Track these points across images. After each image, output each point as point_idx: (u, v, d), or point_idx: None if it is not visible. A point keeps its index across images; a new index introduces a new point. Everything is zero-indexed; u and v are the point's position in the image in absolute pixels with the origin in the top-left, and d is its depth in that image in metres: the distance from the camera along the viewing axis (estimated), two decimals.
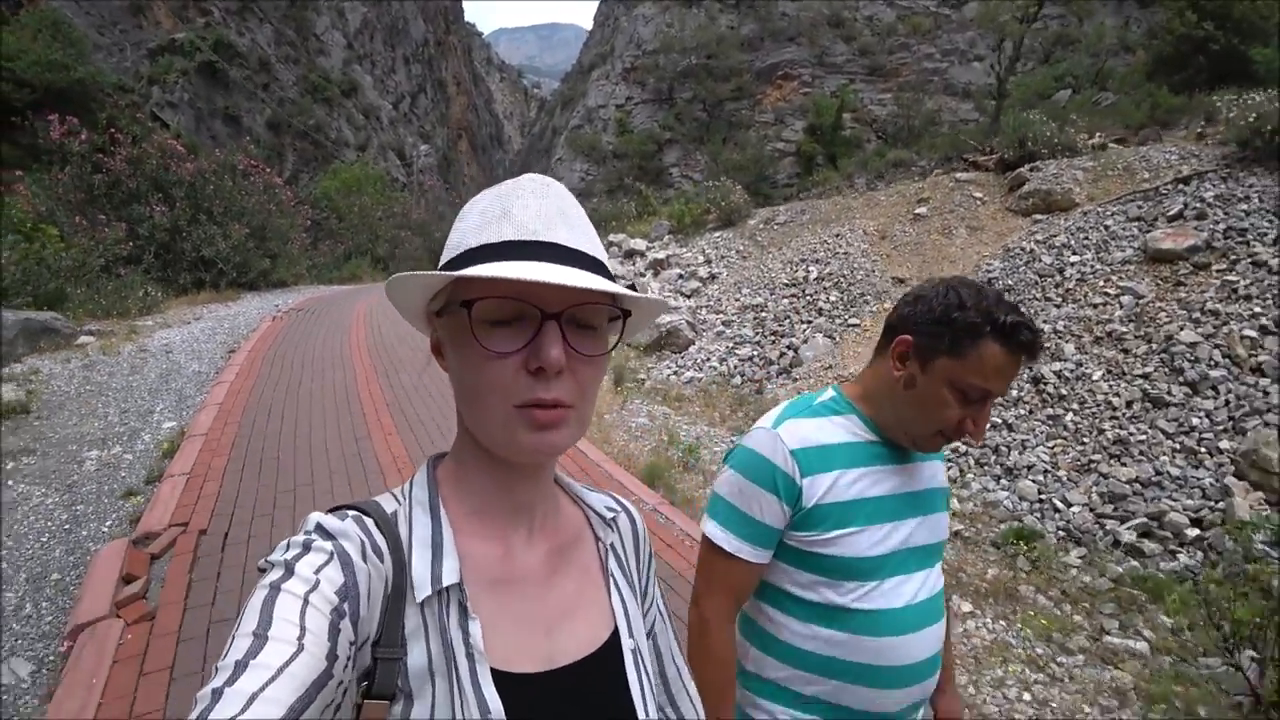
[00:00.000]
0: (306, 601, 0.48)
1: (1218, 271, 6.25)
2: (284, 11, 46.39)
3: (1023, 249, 7.89)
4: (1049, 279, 7.12)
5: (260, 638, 0.45)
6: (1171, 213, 7.23)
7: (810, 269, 9.58)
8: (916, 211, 10.33)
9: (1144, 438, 5.03)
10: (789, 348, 8.00)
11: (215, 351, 7.80)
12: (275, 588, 0.49)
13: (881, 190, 12.47)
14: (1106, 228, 7.58)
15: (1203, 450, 4.78)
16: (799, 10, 35.34)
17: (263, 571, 0.52)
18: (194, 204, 13.19)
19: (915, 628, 1.07)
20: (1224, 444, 4.74)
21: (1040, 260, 7.45)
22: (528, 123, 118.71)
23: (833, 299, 8.64)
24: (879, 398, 1.12)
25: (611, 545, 0.73)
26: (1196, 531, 4.36)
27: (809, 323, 8.37)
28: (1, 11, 24.52)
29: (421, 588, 0.57)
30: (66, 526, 3.51)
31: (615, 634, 0.67)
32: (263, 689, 0.42)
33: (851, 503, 1.06)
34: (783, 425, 1.10)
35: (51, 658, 2.55)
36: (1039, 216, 8.80)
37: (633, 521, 0.79)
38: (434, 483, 0.64)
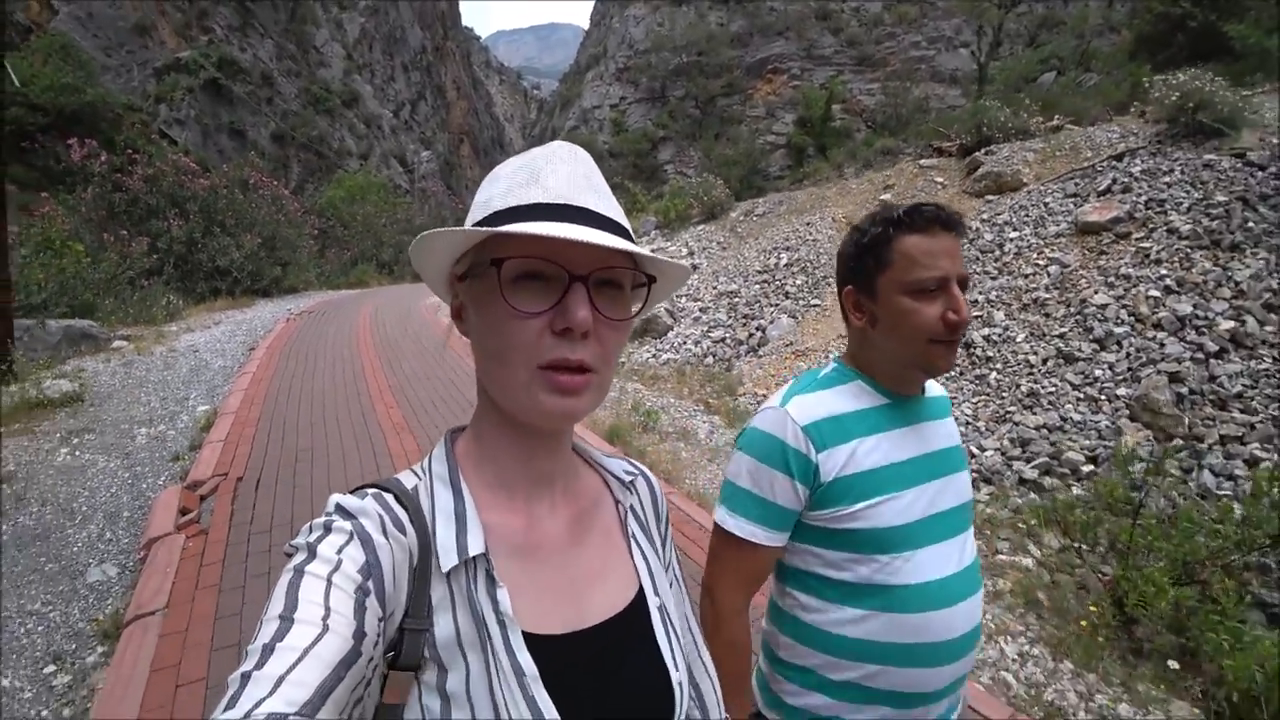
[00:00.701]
0: (330, 582, 0.49)
1: (1136, 239, 6.91)
2: (284, 26, 47.27)
3: (969, 228, 8.55)
4: (989, 254, 7.80)
5: (286, 620, 0.46)
6: (1101, 188, 7.89)
7: (781, 256, 10.29)
8: (881, 198, 11.00)
9: (1053, 390, 5.72)
10: (758, 328, 8.71)
11: (237, 349, 8.60)
12: (299, 571, 0.50)
13: (853, 179, 13.15)
14: (1045, 205, 8.24)
15: (1102, 398, 5.47)
16: (786, 5, 35.91)
17: (288, 556, 0.53)
18: (208, 217, 14.04)
19: (958, 599, 1.03)
20: (1121, 391, 5.42)
21: (983, 238, 8.13)
22: (528, 124, 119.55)
23: (799, 282, 9.34)
24: (867, 354, 1.11)
25: (631, 507, 0.74)
26: (1091, 467, 5.04)
27: (776, 305, 9.08)
28: (12, 38, 25.51)
29: (447, 558, 0.57)
30: (129, 481, 4.29)
31: (640, 593, 0.68)
32: (289, 671, 0.43)
33: (874, 471, 1.03)
34: (791, 402, 1.07)
35: (130, 565, 3.32)
36: (990, 197, 9.45)
37: (650, 484, 0.80)
38: (452, 456, 0.65)
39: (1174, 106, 8.34)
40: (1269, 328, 5.43)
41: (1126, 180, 7.81)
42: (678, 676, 0.66)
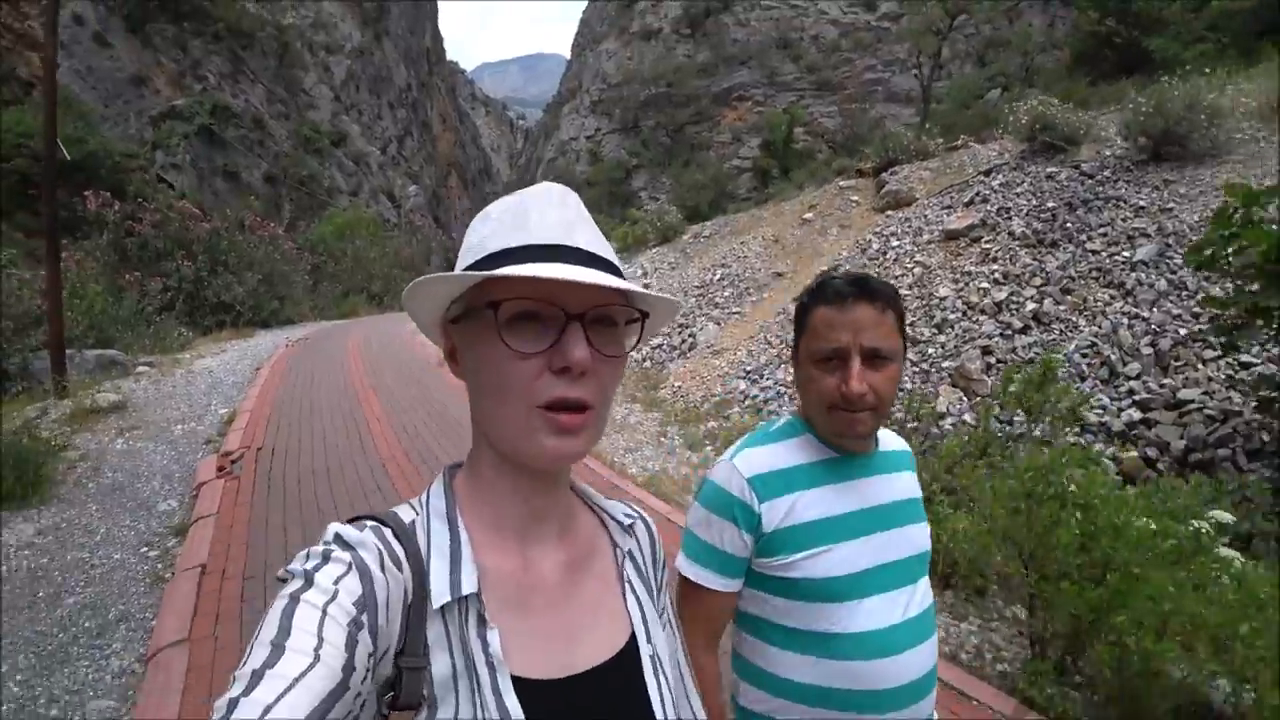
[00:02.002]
0: (325, 613, 0.49)
1: (983, 242, 8.46)
2: (273, 71, 49.11)
3: (865, 240, 10.12)
4: (875, 261, 9.34)
5: (278, 648, 0.46)
6: (967, 200, 9.47)
7: (717, 272, 11.84)
8: (804, 217, 12.59)
9: None
10: (689, 335, 10.21)
11: (245, 369, 10.05)
12: (294, 598, 0.50)
13: (786, 201, 14.76)
14: (925, 216, 9.81)
15: (932, 370, 6.96)
16: (748, 35, 38.00)
17: (283, 581, 0.53)
18: (212, 258, 15.57)
19: (903, 648, 1.06)
20: (946, 364, 6.92)
21: (872, 247, 9.68)
22: (515, 154, 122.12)
23: (726, 294, 10.87)
24: (805, 411, 1.16)
25: (630, 552, 0.74)
26: (915, 424, 6.51)
27: (706, 314, 10.59)
28: (15, 93, 27.12)
29: (440, 596, 0.57)
30: (175, 457, 5.73)
31: (633, 639, 0.68)
32: (278, 700, 0.43)
33: (813, 524, 1.07)
34: (739, 456, 1.12)
35: (186, 500, 4.76)
36: (890, 212, 11.03)
37: (649, 529, 0.80)
38: (450, 493, 0.65)
39: (1026, 127, 9.97)
40: (1062, 306, 6.94)
41: (987, 192, 9.40)
42: None
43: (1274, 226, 4.05)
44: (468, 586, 0.59)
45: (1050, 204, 8.41)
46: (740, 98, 36.71)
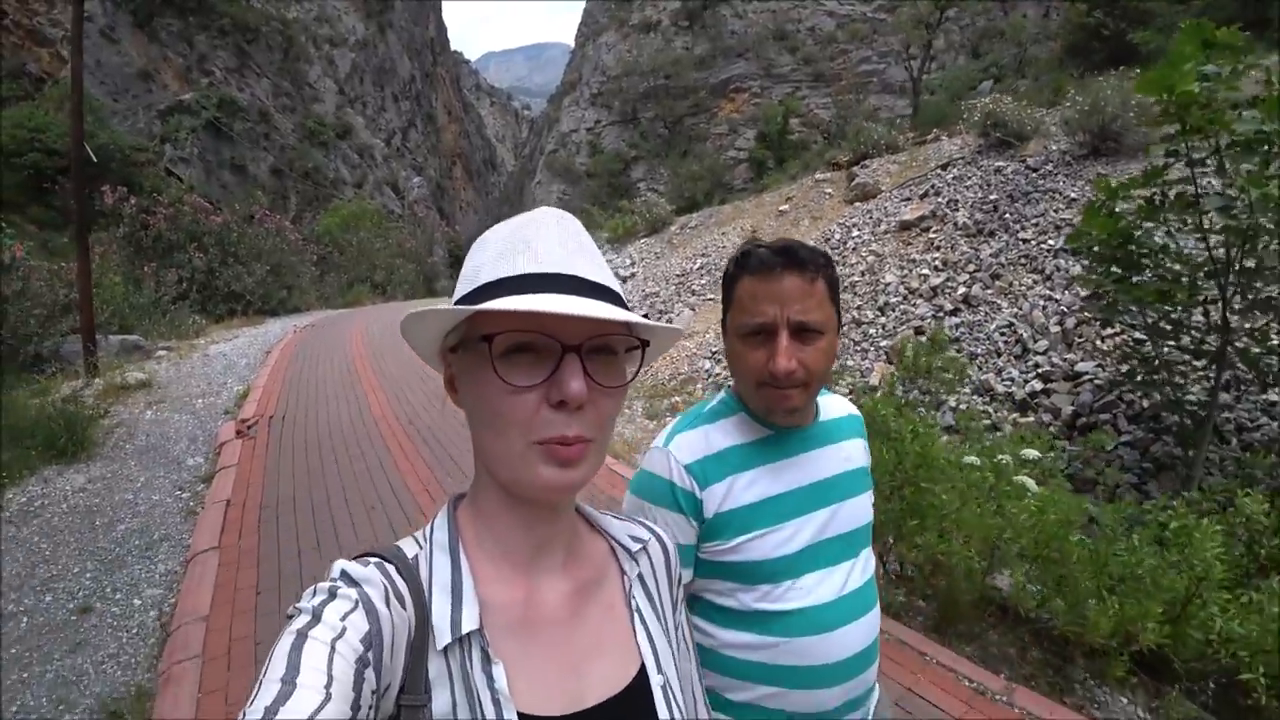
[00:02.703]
0: (334, 649, 0.49)
1: (931, 232, 9.18)
2: (279, 65, 49.74)
3: (830, 230, 10.85)
4: (836, 250, 10.07)
5: (289, 684, 0.46)
6: (922, 192, 10.18)
7: (697, 261, 12.58)
8: (780, 209, 13.30)
9: (841, 346, 7.97)
10: (668, 321, 10.97)
11: (256, 353, 10.88)
12: (302, 634, 0.50)
13: (767, 194, 15.47)
14: (885, 208, 10.53)
15: (871, 349, 7.72)
16: (746, 27, 38.46)
17: (290, 618, 0.53)
18: (223, 249, 16.41)
19: (844, 622, 1.06)
20: (883, 343, 7.67)
21: (834, 237, 10.41)
22: (519, 144, 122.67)
23: (703, 282, 11.62)
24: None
25: (639, 576, 0.74)
26: (850, 395, 7.28)
27: (684, 301, 11.35)
28: (27, 88, 27.95)
29: (442, 635, 0.57)
30: (198, 424, 6.56)
31: (643, 670, 0.67)
32: None
33: (751, 506, 1.05)
34: (673, 441, 1.09)
35: (209, 456, 5.59)
36: (858, 204, 11.74)
37: (664, 547, 0.79)
38: (454, 525, 0.65)
39: (980, 124, 10.65)
40: (989, 291, 7.68)
41: (940, 185, 10.11)
42: None
43: (1129, 217, 4.77)
44: (469, 624, 0.58)
45: (993, 196, 9.12)
46: (737, 89, 37.26)
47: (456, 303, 0.60)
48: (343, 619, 0.52)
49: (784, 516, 1.06)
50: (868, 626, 1.10)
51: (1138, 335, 5.12)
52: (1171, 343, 4.32)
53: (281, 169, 43.20)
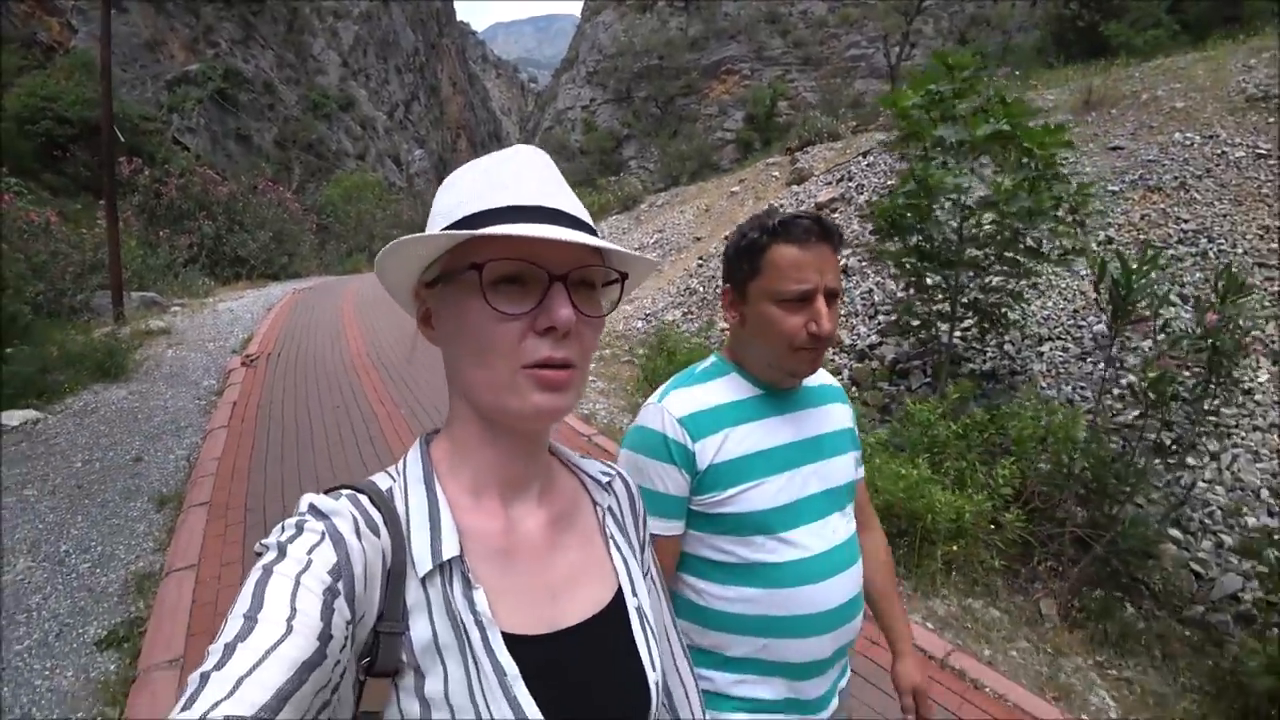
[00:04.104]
0: (298, 583, 0.49)
1: (837, 214, 10.63)
2: (283, 37, 50.49)
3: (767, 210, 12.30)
4: None
5: (250, 620, 0.46)
6: (839, 177, 11.60)
7: (653, 236, 14.04)
8: (733, 190, 14.72)
9: None
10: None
11: (259, 309, 12.46)
12: (267, 570, 0.50)
13: (728, 175, 16.86)
14: (810, 190, 11.95)
15: None
16: (739, 9, 39.34)
17: (258, 554, 0.53)
18: (230, 217, 17.93)
19: (832, 572, 1.11)
20: None
21: None
22: (525, 117, 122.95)
23: (655, 254, 13.09)
24: (741, 350, 1.18)
25: (609, 508, 0.76)
26: None
27: None
28: (38, 57, 29.11)
29: (422, 563, 0.58)
30: (210, 359, 8.14)
31: (619, 594, 0.70)
32: (250, 672, 0.43)
33: (744, 458, 1.09)
34: (667, 397, 1.14)
35: (219, 380, 7.18)
36: (794, 186, 13.15)
37: (628, 486, 0.82)
38: (428, 459, 0.66)
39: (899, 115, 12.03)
40: (864, 262, 9.16)
41: (856, 171, 11.52)
42: (654, 677, 0.67)
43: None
44: (449, 550, 0.59)
45: (891, 182, 10.54)
46: (728, 71, 38.27)
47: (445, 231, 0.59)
48: (309, 552, 0.52)
49: (775, 469, 1.11)
50: (854, 576, 1.16)
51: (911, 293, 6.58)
52: (924, 297, 5.81)
53: (285, 140, 44.15)
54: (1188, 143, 8.39)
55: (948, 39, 39.40)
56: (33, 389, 6.21)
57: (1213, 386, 3.46)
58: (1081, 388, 5.10)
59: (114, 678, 2.58)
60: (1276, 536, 3.14)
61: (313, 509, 0.56)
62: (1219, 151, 8.03)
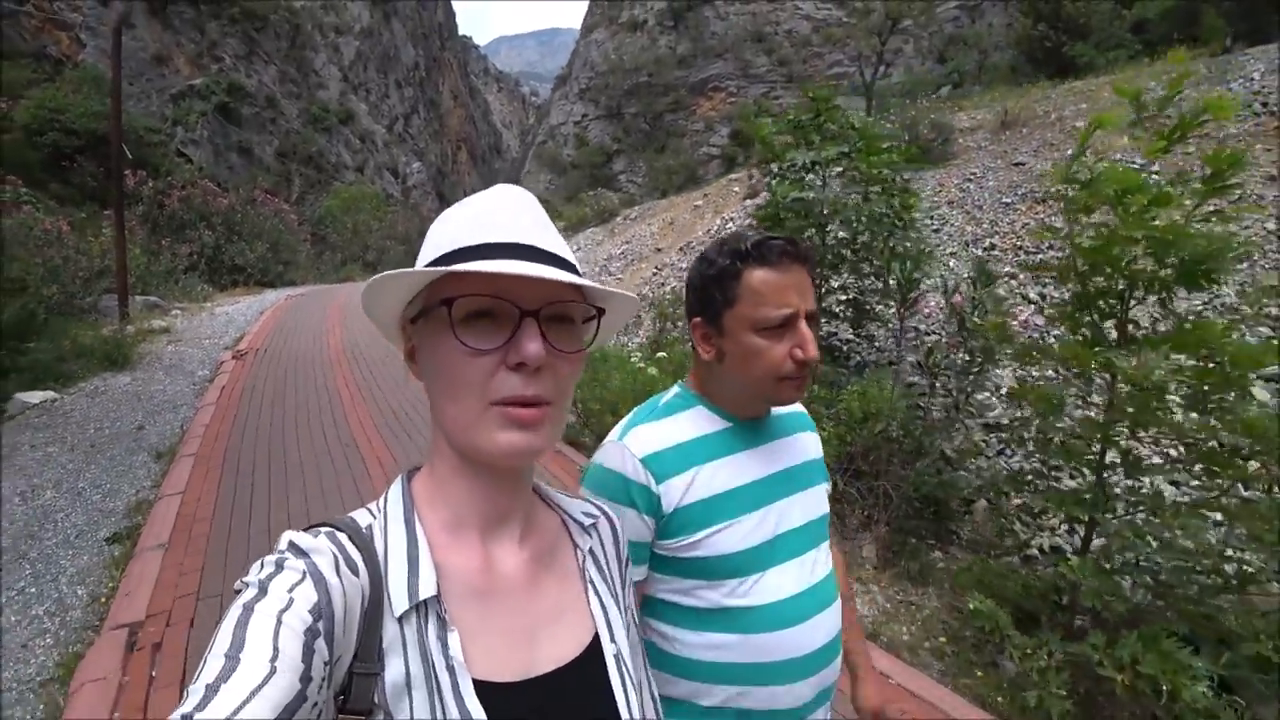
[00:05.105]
0: (280, 622, 0.49)
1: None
2: (285, 52, 51.69)
3: (725, 219, 13.35)
4: (711, 235, 12.57)
5: (233, 659, 0.46)
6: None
7: (620, 248, 15.08)
8: (696, 204, 15.77)
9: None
10: None
11: (253, 313, 13.50)
12: (248, 608, 0.49)
13: (696, 190, 17.93)
14: (759, 203, 13.00)
15: None
16: (726, 28, 40.66)
17: (238, 592, 0.52)
18: (229, 228, 19.01)
19: (809, 614, 1.05)
20: None
21: (716, 226, 12.90)
22: (526, 130, 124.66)
23: (619, 265, 14.12)
24: (712, 384, 1.11)
25: (590, 551, 0.75)
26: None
27: (602, 281, 13.86)
28: (47, 70, 30.24)
29: (399, 603, 0.57)
30: (205, 355, 9.16)
31: (597, 640, 0.68)
32: (235, 713, 0.43)
33: (715, 498, 1.03)
34: (629, 435, 1.07)
35: (212, 369, 8.19)
36: (749, 200, 14.19)
37: (612, 526, 0.81)
38: (409, 496, 0.66)
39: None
40: None
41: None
42: None
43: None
44: (425, 590, 0.58)
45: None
46: (715, 89, 39.53)
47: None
48: (289, 590, 0.51)
49: (747, 507, 1.05)
50: (833, 616, 1.09)
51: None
52: None
53: (286, 153, 45.20)
54: (1088, 159, 9.41)
55: (927, 58, 40.69)
56: (50, 374, 7.23)
57: (968, 357, 4.45)
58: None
59: (118, 557, 3.58)
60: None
61: (293, 546, 0.56)
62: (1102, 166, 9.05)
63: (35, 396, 6.61)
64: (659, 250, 14.20)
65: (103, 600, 3.20)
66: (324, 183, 45.38)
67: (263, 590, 0.51)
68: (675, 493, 1.02)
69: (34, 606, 3.17)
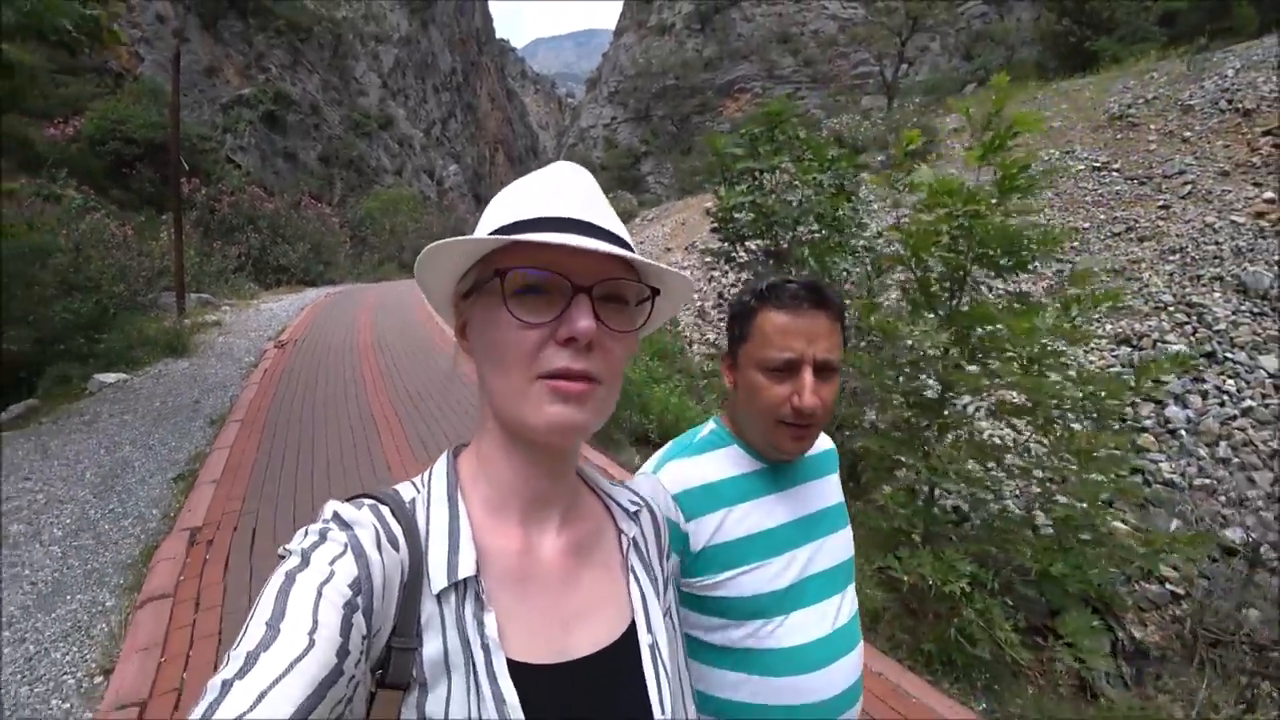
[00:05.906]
0: (320, 594, 0.50)
1: None
2: (328, 61, 53.58)
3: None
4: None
5: (273, 629, 0.47)
6: None
7: (636, 249, 15.93)
8: (706, 206, 16.51)
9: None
10: None
11: (294, 309, 14.74)
12: (290, 577, 0.51)
13: (707, 193, 18.67)
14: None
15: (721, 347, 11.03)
16: (753, 30, 41.21)
17: (281, 559, 0.54)
18: (274, 231, 20.45)
19: (832, 659, 1.05)
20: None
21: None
22: (562, 131, 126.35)
23: None
24: (738, 419, 1.12)
25: (634, 539, 0.74)
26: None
27: None
28: (108, 84, 32.27)
29: (438, 580, 0.58)
30: (251, 345, 10.31)
31: (633, 628, 0.68)
32: (272, 686, 0.44)
33: (743, 540, 1.04)
34: (664, 469, 1.08)
35: (257, 356, 9.32)
36: None
37: (655, 518, 0.80)
38: (454, 473, 0.66)
39: (832, 139, 13.75)
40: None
41: None
42: (662, 718, 0.65)
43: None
44: (465, 569, 0.59)
45: None
46: (741, 90, 40.13)
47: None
48: (331, 563, 0.52)
49: (775, 550, 1.05)
50: (855, 660, 1.09)
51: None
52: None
53: (328, 157, 46.97)
54: (1047, 159, 9.99)
55: (954, 55, 40.62)
56: (121, 360, 8.42)
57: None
58: None
59: (181, 489, 4.63)
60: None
61: (336, 517, 0.57)
62: (1065, 165, 9.65)
63: (110, 377, 7.78)
64: (668, 250, 15.02)
65: (171, 516, 4.22)
66: (364, 186, 47.03)
67: (305, 560, 0.52)
68: (704, 532, 1.03)
69: (122, 521, 4.22)
